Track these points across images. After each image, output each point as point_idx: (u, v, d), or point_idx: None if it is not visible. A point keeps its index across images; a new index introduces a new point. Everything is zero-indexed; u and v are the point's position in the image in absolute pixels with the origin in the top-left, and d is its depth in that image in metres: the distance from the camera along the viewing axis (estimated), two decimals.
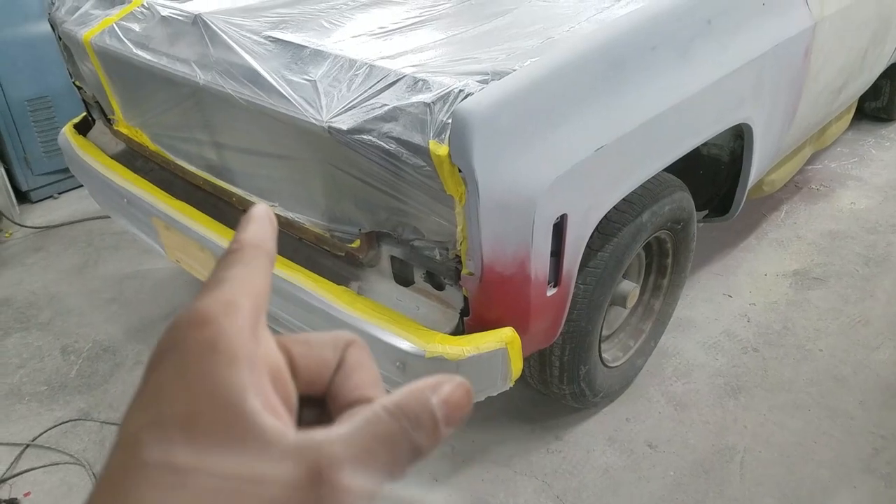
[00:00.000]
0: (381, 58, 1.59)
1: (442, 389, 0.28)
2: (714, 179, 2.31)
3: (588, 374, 1.97)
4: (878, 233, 3.04)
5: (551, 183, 1.42)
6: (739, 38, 1.83)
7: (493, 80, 1.42)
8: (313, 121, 1.48)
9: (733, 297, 2.71)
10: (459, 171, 1.31)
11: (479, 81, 1.42)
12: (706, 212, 2.41)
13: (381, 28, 1.83)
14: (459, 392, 0.28)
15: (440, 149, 1.31)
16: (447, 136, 1.32)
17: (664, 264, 2.21)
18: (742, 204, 2.27)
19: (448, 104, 1.37)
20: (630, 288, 2.03)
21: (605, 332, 2.09)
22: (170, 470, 0.24)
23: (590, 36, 1.52)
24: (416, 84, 1.45)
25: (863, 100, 3.30)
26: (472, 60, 1.58)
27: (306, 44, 1.68)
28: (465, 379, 0.29)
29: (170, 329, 0.27)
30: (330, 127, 1.45)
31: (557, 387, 1.95)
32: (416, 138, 1.36)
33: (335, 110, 1.47)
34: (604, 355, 2.09)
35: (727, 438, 2.14)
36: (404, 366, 1.47)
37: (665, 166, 1.76)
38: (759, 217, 3.13)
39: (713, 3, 1.75)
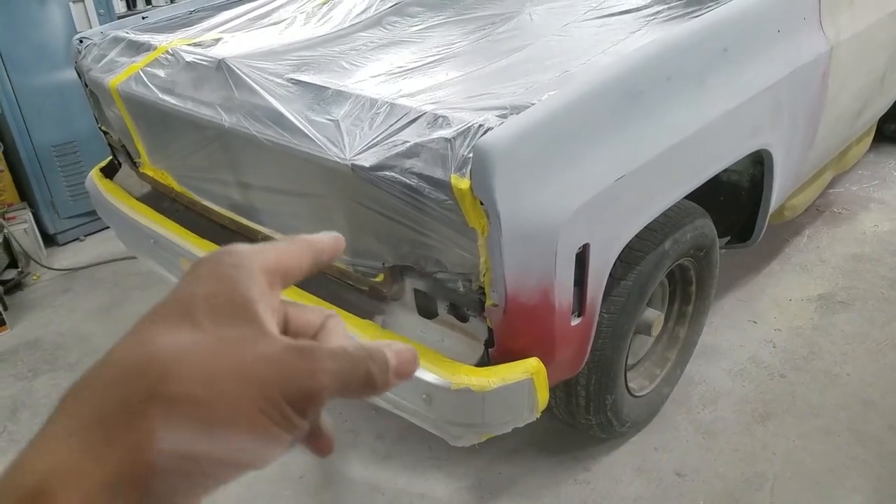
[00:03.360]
0: (401, 96, 1.63)
1: (395, 346, 0.36)
2: (735, 206, 2.31)
3: (615, 403, 1.95)
4: None
5: (573, 213, 1.44)
6: (756, 65, 1.85)
7: (512, 114, 1.45)
8: (337, 159, 1.52)
9: (758, 322, 2.68)
10: (481, 203, 1.33)
11: (498, 116, 1.45)
12: (728, 238, 2.41)
13: (400, 67, 1.88)
14: (408, 351, 0.36)
15: (462, 182, 1.34)
16: (468, 170, 1.34)
17: (688, 292, 2.21)
18: (763, 230, 2.26)
19: (469, 139, 1.40)
20: (654, 316, 2.02)
21: (630, 361, 2.08)
22: (190, 325, 0.32)
23: (606, 68, 1.55)
24: (437, 120, 1.49)
25: (882, 122, 3.29)
26: (490, 96, 1.62)
27: (328, 85, 1.73)
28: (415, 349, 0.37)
29: (214, 252, 0.36)
30: (353, 165, 1.49)
31: (584, 417, 1.94)
32: (438, 173, 1.39)
33: (358, 148, 1.50)
34: (630, 384, 2.07)
35: (756, 466, 2.10)
36: (430, 398, 1.48)
37: (685, 194, 1.77)
38: (781, 242, 3.11)
39: (728, 32, 1.78)
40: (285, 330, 0.38)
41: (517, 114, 1.44)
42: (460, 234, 1.42)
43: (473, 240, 1.40)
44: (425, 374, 1.45)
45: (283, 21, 2.47)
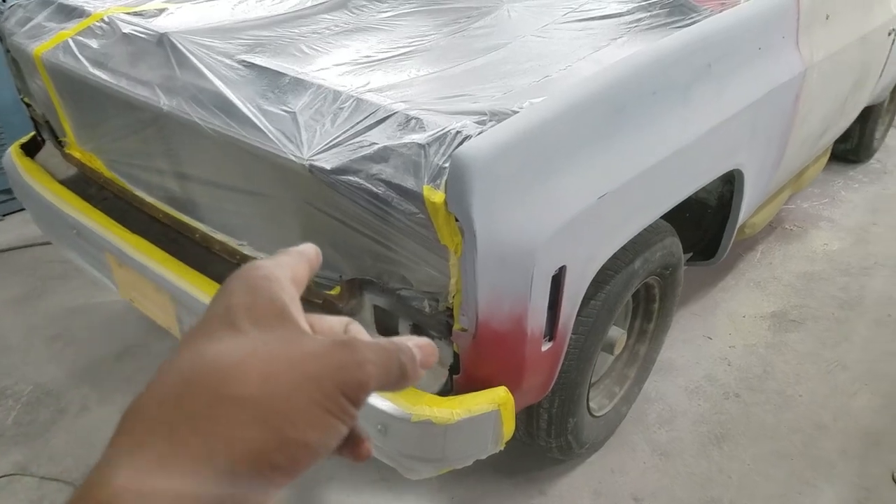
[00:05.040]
0: (369, 90, 1.47)
1: (414, 339, 0.40)
2: (700, 223, 2.24)
3: (576, 426, 1.85)
4: (851, 275, 3.03)
5: (552, 233, 1.31)
6: (737, 83, 1.76)
7: (491, 121, 1.31)
8: (292, 157, 1.34)
9: (713, 338, 2.64)
10: (456, 220, 1.18)
11: (476, 123, 1.30)
12: (690, 254, 2.34)
13: (367, 57, 1.71)
14: (429, 345, 0.40)
15: (436, 195, 1.19)
16: (443, 181, 1.19)
17: (651, 309, 2.12)
18: (728, 249, 2.20)
19: (445, 147, 1.24)
20: (618, 334, 1.93)
21: (591, 380, 1.99)
22: (236, 333, 0.34)
23: (592, 79, 1.42)
24: (409, 122, 1.33)
25: (834, 142, 3.32)
26: (466, 98, 1.47)
27: (285, 71, 1.55)
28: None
29: (240, 269, 0.38)
30: (312, 165, 1.31)
31: (544, 440, 1.83)
32: (409, 182, 1.23)
33: (317, 147, 1.33)
34: (590, 404, 1.98)
35: (712, 490, 2.04)
36: (386, 429, 1.32)
37: (663, 213, 1.67)
38: (735, 257, 3.09)
39: (714, 47, 1.68)
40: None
41: (497, 122, 1.29)
42: (430, 251, 1.27)
43: (444, 258, 1.25)
44: (382, 403, 1.29)
45: None
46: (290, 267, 0.40)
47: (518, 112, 1.33)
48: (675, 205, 1.71)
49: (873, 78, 2.99)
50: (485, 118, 1.33)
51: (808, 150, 2.55)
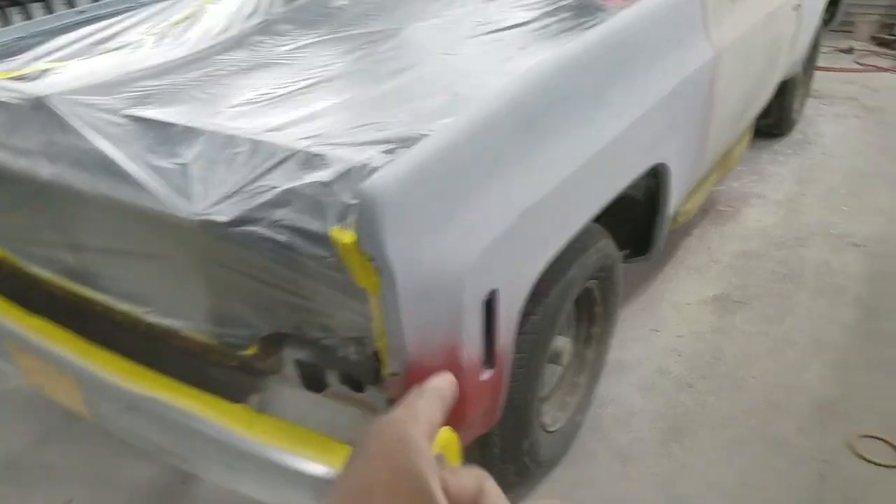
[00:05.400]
0: (267, 131, 1.38)
1: None
2: (629, 219, 2.21)
3: (531, 446, 1.79)
4: (787, 248, 3.07)
5: (477, 257, 1.24)
6: (649, 78, 1.74)
7: (400, 148, 1.24)
8: (184, 214, 1.24)
9: (660, 331, 2.62)
10: (371, 259, 1.11)
11: (384, 152, 1.23)
12: (626, 251, 2.31)
13: (265, 95, 1.62)
14: None
15: (345, 236, 1.11)
16: (352, 220, 1.11)
17: (594, 312, 2.08)
18: (663, 242, 2.18)
19: (351, 182, 1.17)
20: (564, 343, 1.88)
21: (541, 394, 1.93)
22: None
23: (500, 92, 1.37)
24: (311, 160, 1.25)
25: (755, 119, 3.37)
26: (373, 126, 1.39)
27: (174, 121, 1.45)
28: None
29: (379, 422, 0.38)
30: (205, 220, 1.22)
31: (500, 467, 1.76)
32: (315, 225, 1.15)
33: (213, 199, 1.23)
34: (543, 420, 1.92)
35: (679, 488, 2.01)
36: (320, 494, 1.23)
37: (593, 217, 1.63)
38: (673, 245, 3.09)
39: (621, 44, 1.65)
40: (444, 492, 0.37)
41: (406, 148, 1.22)
42: (347, 295, 1.18)
43: (364, 301, 1.17)
44: (313, 467, 1.20)
45: (129, 45, 2.12)
46: (426, 418, 0.39)
47: (427, 136, 1.26)
48: (602, 207, 1.67)
49: (785, 53, 3.04)
50: (393, 146, 1.26)
51: (730, 132, 2.57)
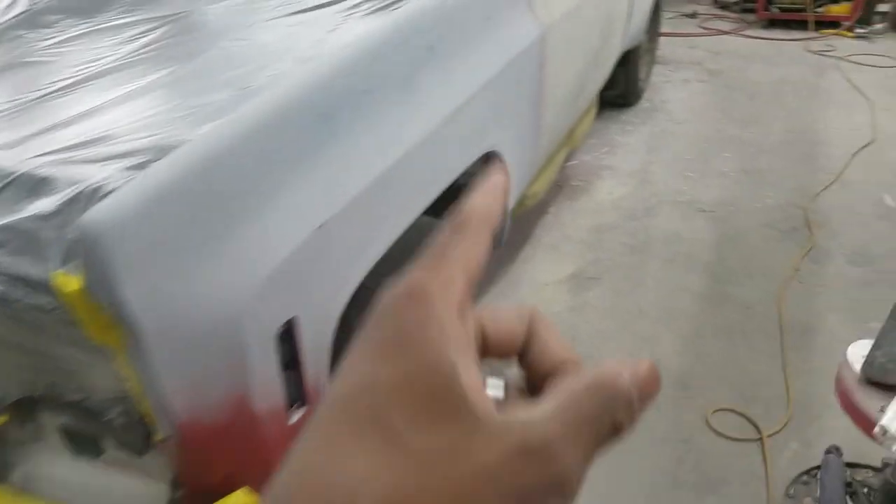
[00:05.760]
0: None
1: (630, 366, 0.28)
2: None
3: None
4: (637, 219, 3.09)
5: (260, 287, 1.04)
6: (469, 61, 1.59)
7: (153, 161, 1.01)
8: None
9: None
10: (106, 309, 0.88)
11: (130, 168, 1.00)
12: None
13: (10, 101, 1.32)
14: (649, 371, 0.28)
15: (70, 282, 0.87)
16: (79, 261, 0.88)
17: None
18: (507, 231, 2.08)
19: (81, 209, 0.93)
20: None
21: None
22: (382, 428, 0.25)
23: (288, 87, 1.16)
24: (38, 184, 0.99)
25: (601, 91, 3.35)
26: (131, 135, 1.15)
27: None
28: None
29: (388, 296, 0.28)
30: None
31: None
32: (33, 269, 0.90)
33: None
34: None
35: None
36: None
37: (417, 215, 1.47)
38: (529, 224, 3.03)
39: (431, 27, 1.48)
40: (485, 348, 0.30)
41: (159, 159, 1.00)
42: (88, 352, 0.95)
43: (110, 357, 0.94)
44: None
45: None
46: (464, 279, 0.28)
47: (188, 143, 1.04)
48: (429, 204, 1.52)
49: (621, 24, 3.01)
50: (143, 159, 1.03)
51: (569, 111, 2.50)
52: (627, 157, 3.61)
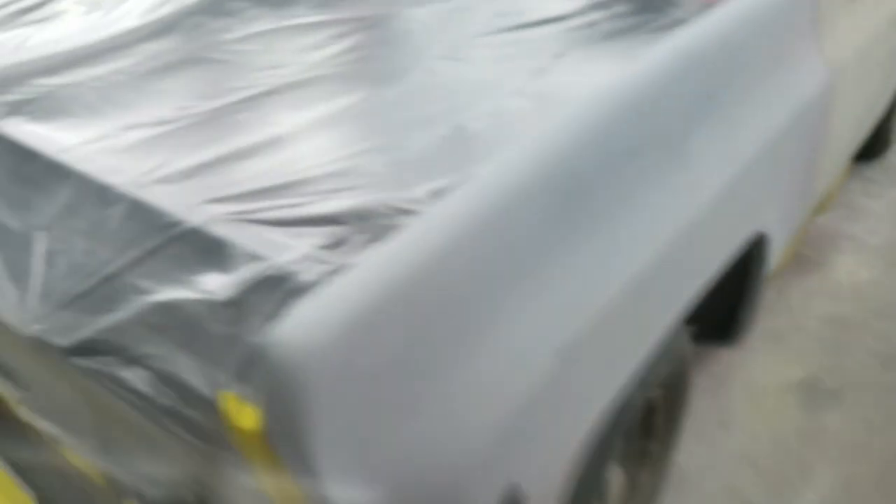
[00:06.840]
0: (157, 179, 0.93)
1: None
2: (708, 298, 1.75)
3: None
4: (890, 318, 2.57)
5: (488, 447, 0.79)
6: (750, 116, 1.27)
7: (355, 235, 0.79)
8: (8, 318, 0.80)
9: (729, 428, 2.15)
10: (287, 464, 0.66)
11: (324, 247, 0.78)
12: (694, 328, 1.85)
13: (183, 109, 1.18)
14: None
15: (245, 416, 0.66)
16: (257, 384, 0.66)
17: (651, 423, 1.62)
18: (751, 325, 1.72)
19: (262, 301, 0.72)
20: (611, 475, 1.43)
21: None
22: None
23: (532, 146, 0.91)
24: (208, 247, 0.80)
25: None
26: (330, 177, 0.94)
27: (41, 147, 1.04)
28: None
29: None
30: (37, 338, 0.78)
31: None
32: (194, 378, 0.70)
33: (55, 300, 0.80)
34: None
35: None
36: None
37: (671, 327, 1.17)
38: None
39: (712, 67, 1.18)
40: None
41: (365, 236, 0.78)
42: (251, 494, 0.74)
43: None
44: None
45: (52, 16, 1.74)
46: None
47: (412, 211, 0.81)
48: (685, 310, 1.21)
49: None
50: (345, 230, 0.81)
51: (837, 168, 2.10)
52: (872, 227, 3.07)
